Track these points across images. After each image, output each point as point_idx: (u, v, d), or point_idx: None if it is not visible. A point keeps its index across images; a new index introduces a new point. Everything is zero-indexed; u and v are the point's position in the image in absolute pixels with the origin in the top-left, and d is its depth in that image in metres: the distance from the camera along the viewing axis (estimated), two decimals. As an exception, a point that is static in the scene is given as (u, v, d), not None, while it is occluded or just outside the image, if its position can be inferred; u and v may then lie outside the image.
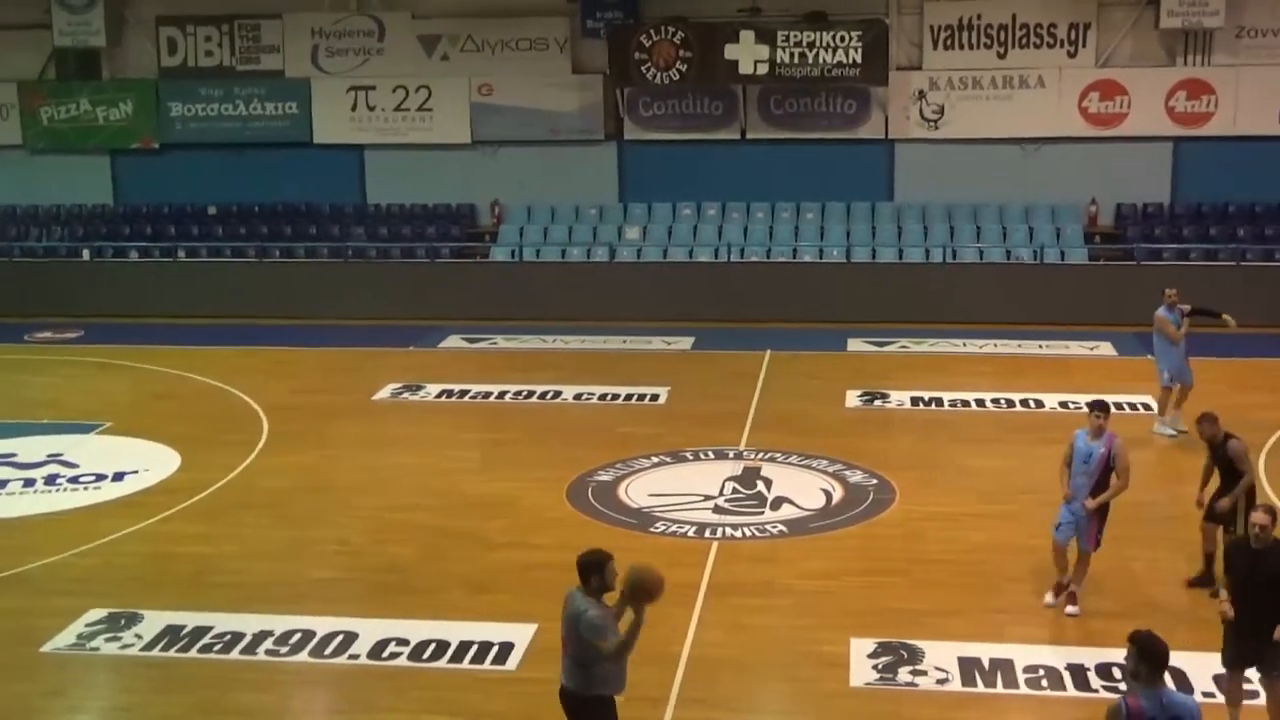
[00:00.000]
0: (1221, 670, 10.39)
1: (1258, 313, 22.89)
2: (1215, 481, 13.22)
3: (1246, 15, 27.33)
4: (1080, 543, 12.60)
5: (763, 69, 27.84)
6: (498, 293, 27.52)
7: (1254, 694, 10.31)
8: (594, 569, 8.72)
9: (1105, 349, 24.16)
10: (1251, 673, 10.15)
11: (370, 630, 12.26)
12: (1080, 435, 12.67)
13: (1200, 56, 27.77)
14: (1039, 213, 28.30)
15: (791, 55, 27.68)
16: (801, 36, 27.61)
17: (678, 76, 28.13)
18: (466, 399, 21.32)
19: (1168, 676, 8.11)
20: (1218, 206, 28.08)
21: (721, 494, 16.22)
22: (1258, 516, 10.04)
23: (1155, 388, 19.39)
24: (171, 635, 12.26)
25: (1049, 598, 12.74)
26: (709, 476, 16.88)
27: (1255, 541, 9.92)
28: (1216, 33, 27.42)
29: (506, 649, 11.89)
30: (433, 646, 11.95)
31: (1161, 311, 18.72)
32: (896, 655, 11.72)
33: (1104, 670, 11.32)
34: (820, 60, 27.67)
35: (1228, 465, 13.01)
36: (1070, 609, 12.55)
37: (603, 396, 21.20)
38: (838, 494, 16.24)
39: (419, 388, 21.85)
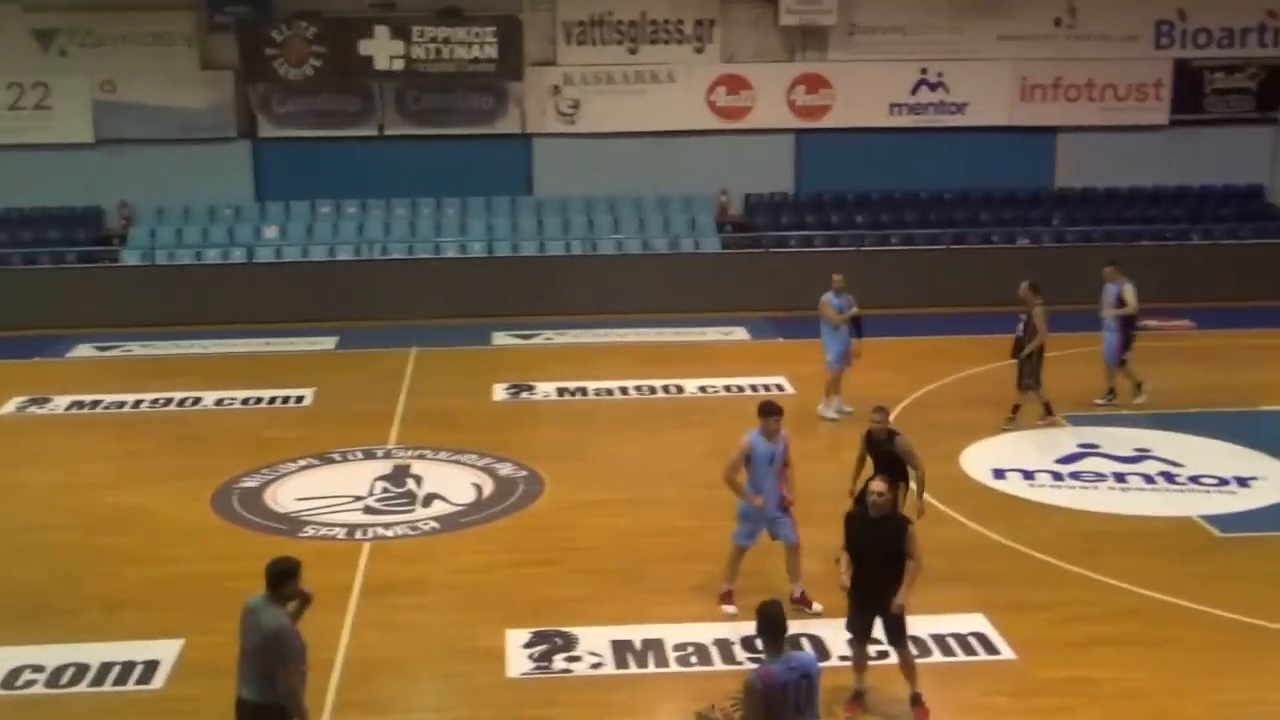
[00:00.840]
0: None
1: (875, 295, 24.25)
2: (867, 472, 13.24)
3: (857, 13, 28.86)
4: (787, 537, 12.61)
5: (399, 65, 27.66)
6: (130, 298, 26.43)
7: (882, 654, 10.98)
8: (288, 576, 8.72)
9: (740, 334, 25.15)
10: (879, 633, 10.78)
11: (2, 659, 11.60)
12: (756, 439, 12.47)
13: (817, 52, 29.19)
14: (673, 203, 29.15)
15: (427, 51, 27.61)
16: (436, 32, 27.58)
17: (312, 73, 27.64)
18: (100, 410, 20.41)
19: (806, 644, 8.53)
20: (837, 194, 29.55)
21: (372, 494, 16.11)
22: (875, 485, 10.57)
23: (790, 368, 20.32)
24: None
25: (730, 609, 12.52)
26: (358, 477, 16.73)
27: (873, 510, 10.48)
28: (831, 30, 28.86)
29: (152, 667, 11.49)
30: (71, 671, 11.42)
31: (827, 296, 19.02)
32: (551, 643, 11.93)
33: (749, 643, 11.80)
34: (456, 56, 27.72)
35: (892, 459, 13.09)
36: (728, 608, 12.58)
37: (245, 401, 20.68)
38: (488, 487, 16.36)
39: (46, 400, 20.77)
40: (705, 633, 12.11)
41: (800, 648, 9.92)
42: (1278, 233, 28.59)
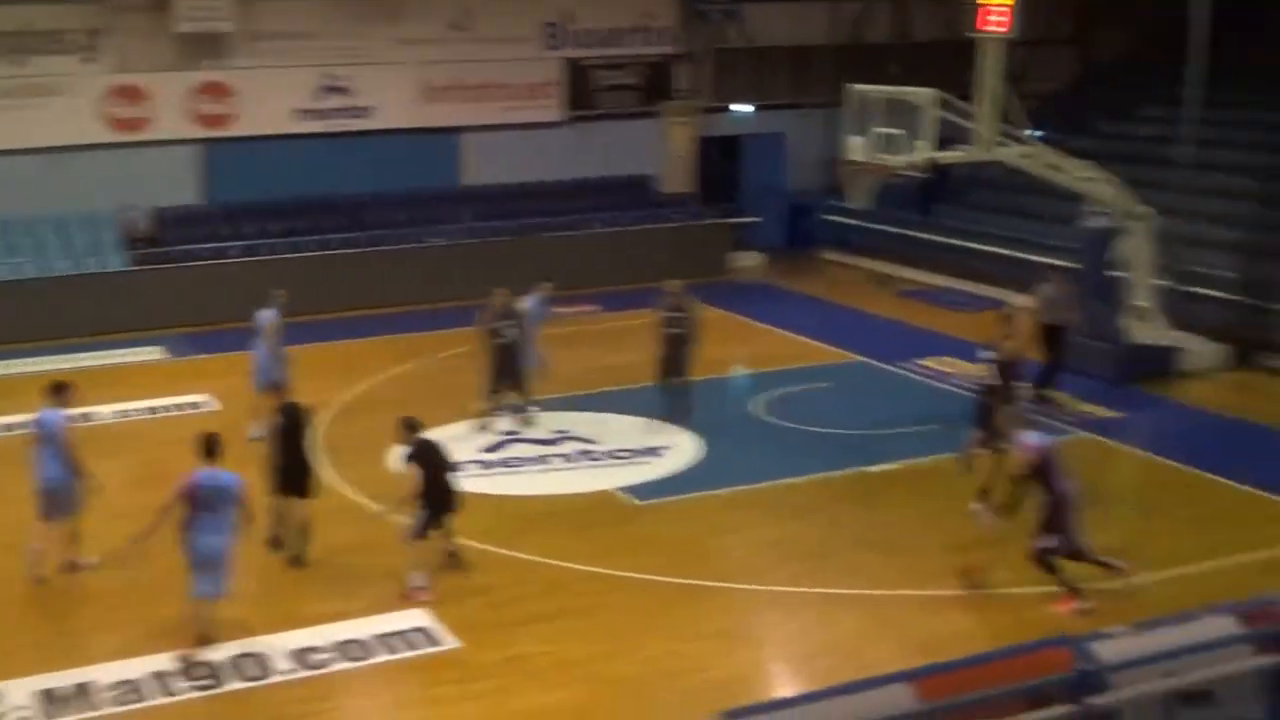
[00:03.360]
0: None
1: (297, 303, 24.15)
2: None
3: (257, 20, 28.42)
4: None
5: None
6: None
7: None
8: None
9: (156, 353, 24.15)
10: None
11: None
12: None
13: (217, 60, 28.52)
14: (74, 223, 27.49)
15: None
16: None
17: None
18: None
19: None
20: (250, 203, 28.99)
21: None
22: None
23: (214, 383, 19.89)
24: None
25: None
26: None
27: None
28: (230, 36, 28.28)
29: None
30: None
31: (266, 313, 18.60)
32: (-28, 704, 11.18)
33: (191, 672, 11.59)
34: None
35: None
36: None
37: None
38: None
39: None
40: (138, 668, 11.67)
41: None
42: (667, 217, 30.77)
